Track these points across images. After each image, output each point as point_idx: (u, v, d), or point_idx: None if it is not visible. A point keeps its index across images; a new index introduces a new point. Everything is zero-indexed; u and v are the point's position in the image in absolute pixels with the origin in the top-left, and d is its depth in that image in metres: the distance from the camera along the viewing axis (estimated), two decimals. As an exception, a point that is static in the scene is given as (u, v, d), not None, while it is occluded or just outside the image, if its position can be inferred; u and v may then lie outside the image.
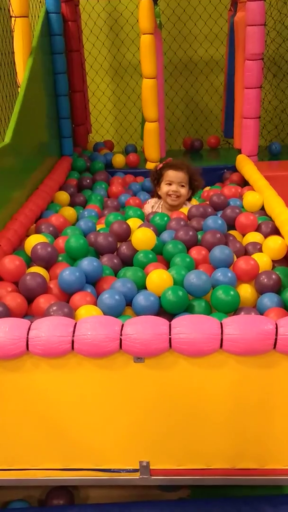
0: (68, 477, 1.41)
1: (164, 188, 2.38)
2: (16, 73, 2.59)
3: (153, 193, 2.53)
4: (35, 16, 2.93)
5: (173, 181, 2.36)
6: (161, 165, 2.44)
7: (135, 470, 1.39)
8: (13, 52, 2.58)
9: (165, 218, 2.12)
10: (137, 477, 1.39)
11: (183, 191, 2.37)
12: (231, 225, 2.10)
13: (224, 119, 3.51)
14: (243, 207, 2.29)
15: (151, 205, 2.49)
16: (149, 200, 2.53)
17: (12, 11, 2.50)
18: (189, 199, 2.46)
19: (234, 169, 3.03)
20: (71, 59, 3.20)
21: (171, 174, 2.37)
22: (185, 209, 2.30)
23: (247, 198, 2.27)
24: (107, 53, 3.93)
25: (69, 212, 2.36)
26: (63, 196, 2.57)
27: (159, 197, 2.46)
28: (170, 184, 2.37)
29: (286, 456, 1.36)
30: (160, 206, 2.46)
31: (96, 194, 2.76)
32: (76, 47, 3.24)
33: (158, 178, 2.43)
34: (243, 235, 2.06)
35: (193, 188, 2.43)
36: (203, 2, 3.72)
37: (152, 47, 2.88)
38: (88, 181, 2.93)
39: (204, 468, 1.37)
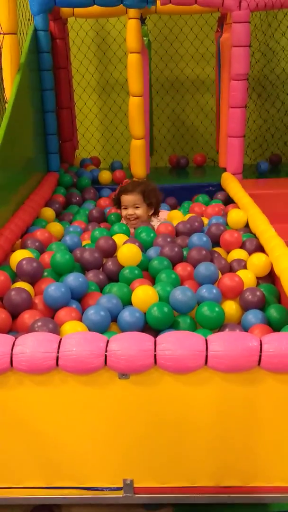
0: (51, 496, 1.39)
1: (122, 212, 2.47)
2: (3, 89, 2.60)
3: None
4: (23, 33, 2.95)
5: (127, 205, 2.44)
6: (118, 189, 2.49)
7: (119, 488, 1.37)
8: (1, 69, 2.59)
9: (152, 235, 2.13)
10: (121, 496, 1.38)
11: (139, 212, 2.42)
12: (216, 242, 2.12)
13: (218, 138, 3.54)
14: (227, 224, 2.31)
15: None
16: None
17: (1, 28, 2.52)
18: (154, 214, 2.50)
19: (219, 187, 3.06)
20: (58, 76, 3.23)
21: (124, 199, 2.45)
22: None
23: (231, 216, 2.29)
24: (95, 71, 3.96)
25: (56, 228, 2.36)
26: (48, 212, 2.57)
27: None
28: (126, 208, 2.44)
29: (271, 474, 1.36)
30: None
31: (84, 209, 2.78)
32: (63, 65, 3.26)
33: (118, 201, 2.50)
34: (228, 252, 2.08)
35: (153, 204, 2.48)
36: (189, 23, 3.78)
37: (139, 66, 2.92)
38: (77, 198, 2.95)
39: (188, 486, 1.37)
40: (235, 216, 2.28)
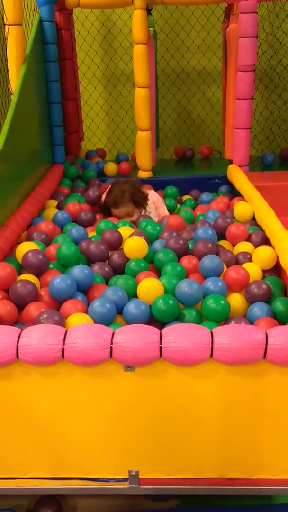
0: (56, 486, 1.40)
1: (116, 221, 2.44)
2: (9, 80, 2.60)
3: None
4: (28, 24, 2.94)
5: (120, 216, 2.42)
6: (103, 199, 2.46)
7: (124, 480, 1.38)
8: (6, 60, 2.58)
9: (158, 228, 2.14)
10: (126, 487, 1.39)
11: (134, 218, 2.43)
12: (222, 235, 2.12)
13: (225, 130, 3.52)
14: (233, 217, 2.31)
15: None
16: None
17: (6, 19, 2.50)
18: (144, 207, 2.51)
19: (225, 179, 3.05)
20: (64, 67, 3.21)
21: (116, 213, 2.43)
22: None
23: (238, 209, 2.28)
24: (100, 62, 3.95)
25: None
26: (53, 204, 2.56)
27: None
28: (120, 218, 2.40)
29: (275, 466, 1.36)
30: None
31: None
32: (69, 56, 3.25)
33: (108, 211, 2.47)
34: (233, 245, 2.07)
35: (143, 205, 2.48)
36: (196, 13, 3.75)
37: (145, 57, 2.90)
38: (82, 190, 2.94)
39: (193, 478, 1.37)
40: (242, 209, 2.28)
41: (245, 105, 2.82)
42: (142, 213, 2.50)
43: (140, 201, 2.46)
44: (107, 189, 2.49)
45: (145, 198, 2.50)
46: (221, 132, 3.69)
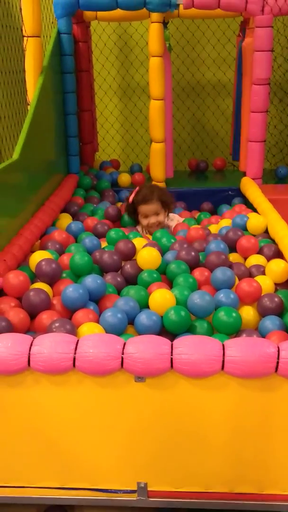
0: (64, 496, 1.39)
1: (143, 221, 2.50)
2: (26, 91, 2.63)
3: (136, 223, 2.58)
4: (47, 36, 2.99)
5: (148, 214, 2.47)
6: (131, 199, 2.50)
7: (133, 491, 1.37)
8: (24, 71, 2.62)
9: (172, 240, 2.15)
10: (134, 499, 1.38)
11: (161, 218, 2.48)
12: (232, 248, 2.11)
13: (232, 142, 3.54)
14: (245, 229, 2.30)
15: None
16: (137, 228, 2.57)
17: (25, 31, 2.55)
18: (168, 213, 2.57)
19: (238, 191, 3.05)
20: (80, 79, 3.25)
21: (144, 209, 2.47)
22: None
23: (251, 221, 2.28)
24: (116, 74, 3.99)
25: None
26: (66, 217, 2.58)
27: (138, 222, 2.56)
28: (147, 217, 2.47)
29: (285, 482, 1.35)
30: (145, 231, 2.54)
31: (101, 209, 2.78)
32: (86, 67, 3.29)
33: (133, 211, 2.52)
34: (244, 258, 2.07)
35: (169, 207, 2.54)
36: (212, 27, 3.78)
37: (161, 70, 2.93)
38: (96, 200, 2.96)
39: (202, 492, 1.36)
40: (255, 222, 2.26)
41: (260, 118, 2.83)
42: (166, 220, 2.54)
43: (168, 202, 2.52)
44: (136, 190, 2.53)
45: (172, 201, 2.57)
46: (230, 143, 3.70)
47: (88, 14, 3.10)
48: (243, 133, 3.10)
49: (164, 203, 2.50)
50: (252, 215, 2.34)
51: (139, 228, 2.56)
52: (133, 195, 2.52)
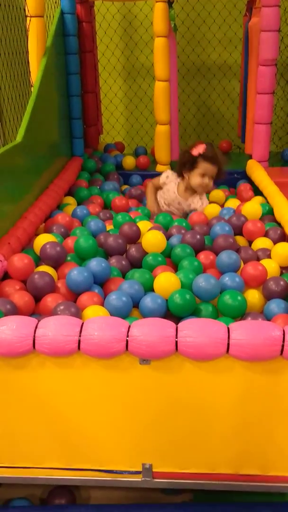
0: (70, 477, 1.41)
1: (197, 178, 2.45)
2: (29, 72, 2.60)
3: (178, 170, 2.55)
4: (50, 16, 2.94)
5: (207, 174, 2.44)
6: (197, 152, 2.45)
7: (138, 472, 1.38)
8: (27, 52, 2.59)
9: (168, 218, 2.14)
10: (140, 479, 1.39)
11: (211, 184, 2.48)
12: (236, 233, 2.09)
13: (241, 124, 3.50)
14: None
15: (166, 176, 2.55)
16: (168, 172, 2.54)
17: (28, 10, 2.51)
18: None
19: (244, 174, 3.03)
20: (84, 60, 3.21)
21: (207, 167, 2.43)
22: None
23: (246, 208, 2.22)
24: (121, 55, 3.94)
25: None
26: (71, 201, 2.57)
27: (182, 176, 2.51)
28: (203, 176, 2.43)
29: (290, 464, 1.36)
30: (177, 184, 2.52)
31: (106, 192, 2.77)
32: (90, 48, 3.25)
33: (191, 164, 2.46)
34: (250, 242, 2.06)
35: (220, 176, 2.53)
36: (218, 7, 3.72)
37: (166, 50, 2.89)
38: (101, 183, 2.94)
39: (207, 473, 1.37)
40: (249, 209, 2.22)
41: (266, 99, 2.79)
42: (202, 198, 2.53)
43: (220, 175, 2.51)
44: (201, 145, 2.47)
45: (222, 177, 2.55)
46: (238, 126, 3.66)
47: (92, -7, 3.05)
48: (249, 115, 3.06)
49: (219, 173, 2.49)
50: (246, 204, 2.27)
51: (169, 174, 2.54)
52: (199, 148, 2.45)
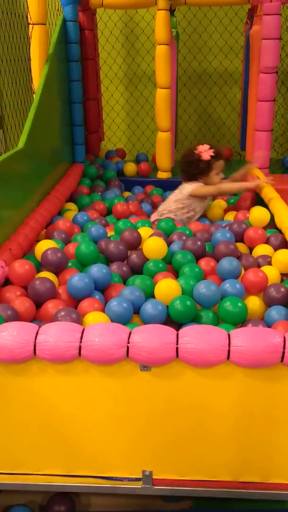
0: (70, 484, 1.40)
1: (216, 178, 2.54)
2: (31, 79, 2.62)
3: (190, 178, 2.57)
4: (52, 24, 2.96)
5: (221, 170, 2.56)
6: (208, 155, 2.50)
7: (138, 479, 1.38)
8: (29, 59, 2.61)
9: (170, 224, 2.16)
10: (139, 486, 1.39)
11: (221, 175, 2.59)
12: (237, 240, 2.10)
13: (240, 131, 3.51)
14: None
15: (193, 188, 2.54)
16: (189, 184, 2.56)
17: (30, 18, 2.53)
18: None
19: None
20: (86, 67, 3.23)
21: (220, 164, 2.55)
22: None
23: (254, 213, 2.23)
24: (122, 62, 3.96)
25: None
26: (72, 207, 2.58)
27: (194, 181, 2.56)
28: (218, 173, 2.55)
29: (290, 471, 1.35)
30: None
31: (106, 199, 2.78)
32: (91, 56, 3.27)
33: (206, 168, 2.52)
34: (251, 249, 2.06)
35: None
36: (219, 15, 3.74)
37: (167, 58, 2.91)
38: (102, 189, 2.95)
39: (207, 480, 1.37)
40: (257, 214, 2.22)
41: (267, 107, 2.80)
42: None
43: None
44: (205, 148, 2.53)
45: None
46: (238, 133, 3.68)
47: (94, 1, 3.07)
48: (249, 122, 3.08)
49: None
50: (255, 208, 2.27)
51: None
52: (208, 152, 2.51)
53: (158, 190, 3.11)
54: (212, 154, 2.50)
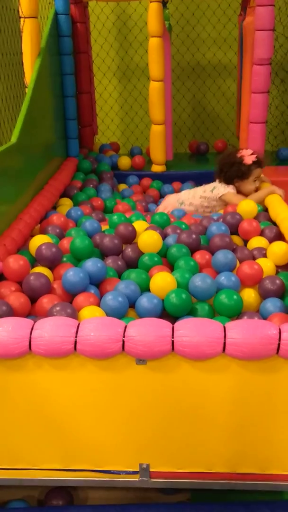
0: (67, 478, 1.40)
1: (251, 185, 2.49)
2: (24, 73, 2.60)
3: (227, 180, 2.53)
4: (44, 17, 2.94)
5: (257, 178, 2.50)
6: (250, 160, 2.46)
7: (135, 472, 1.38)
8: (21, 53, 2.59)
9: (164, 218, 2.16)
10: (137, 479, 1.39)
11: (257, 183, 2.53)
12: (231, 232, 2.09)
13: (238, 123, 3.50)
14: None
15: (227, 190, 2.50)
16: (224, 186, 2.52)
17: (21, 11, 2.51)
18: None
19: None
20: (79, 60, 3.21)
21: (259, 172, 2.50)
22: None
23: (242, 206, 2.21)
24: (115, 55, 3.94)
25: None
26: (67, 202, 2.57)
27: (230, 184, 2.51)
28: (255, 181, 2.50)
29: (287, 462, 1.36)
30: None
31: (100, 192, 2.77)
32: (84, 49, 3.25)
33: (245, 173, 2.48)
34: (245, 241, 2.06)
35: None
36: (212, 6, 3.72)
37: (160, 50, 2.89)
38: (96, 184, 2.94)
39: (205, 472, 1.37)
40: (245, 207, 2.22)
41: (261, 99, 2.80)
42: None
43: None
44: (248, 151, 2.50)
45: None
46: (236, 126, 3.67)
47: (85, -6, 3.05)
48: (243, 114, 3.07)
49: None
50: (244, 201, 2.26)
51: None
52: (251, 157, 2.47)
53: (158, 183, 3.10)
54: (255, 159, 2.48)
